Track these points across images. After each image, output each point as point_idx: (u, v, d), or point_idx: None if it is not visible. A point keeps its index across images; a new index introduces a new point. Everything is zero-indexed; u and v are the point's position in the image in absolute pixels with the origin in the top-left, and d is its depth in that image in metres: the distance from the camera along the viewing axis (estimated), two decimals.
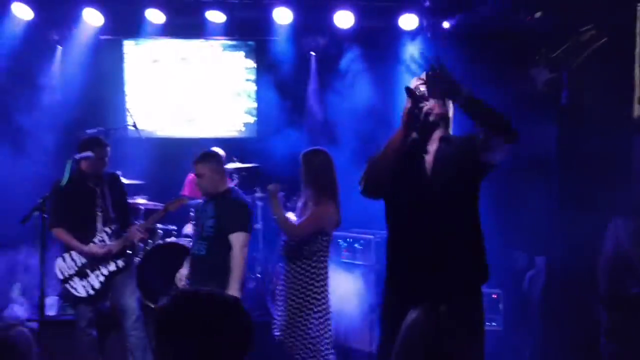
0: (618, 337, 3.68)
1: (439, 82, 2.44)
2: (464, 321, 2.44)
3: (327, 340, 3.48)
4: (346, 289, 4.49)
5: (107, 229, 3.97)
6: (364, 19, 5.90)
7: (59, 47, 6.19)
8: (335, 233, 3.84)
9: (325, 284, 3.53)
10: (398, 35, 6.03)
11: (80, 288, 3.90)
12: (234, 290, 3.37)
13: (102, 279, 3.94)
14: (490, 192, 3.88)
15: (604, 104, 5.19)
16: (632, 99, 5.40)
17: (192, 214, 5.16)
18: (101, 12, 5.82)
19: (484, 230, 2.67)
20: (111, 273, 3.96)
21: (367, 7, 5.85)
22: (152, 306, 4.92)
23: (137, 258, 4.83)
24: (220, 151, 5.82)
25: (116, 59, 6.43)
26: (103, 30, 6.07)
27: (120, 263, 3.99)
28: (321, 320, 3.47)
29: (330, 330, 3.52)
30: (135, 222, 4.40)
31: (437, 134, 2.62)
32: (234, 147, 5.90)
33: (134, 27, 6.09)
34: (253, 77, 6.56)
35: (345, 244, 4.81)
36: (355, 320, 4.52)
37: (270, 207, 3.53)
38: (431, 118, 2.55)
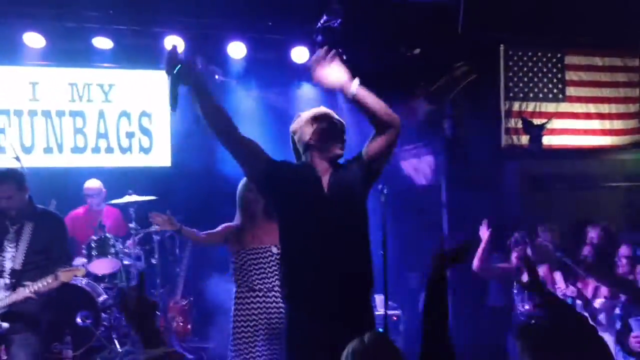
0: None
1: (332, 70, 2.54)
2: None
3: None
4: None
5: (6, 279, 3.45)
6: (256, 50, 6.01)
7: None
8: None
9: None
10: (290, 68, 6.21)
11: None
12: None
13: None
14: (383, 217, 4.19)
15: (477, 134, 5.79)
16: (500, 129, 6.09)
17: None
18: None
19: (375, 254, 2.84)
20: None
21: (259, 39, 5.97)
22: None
23: None
24: (95, 182, 5.63)
25: None
26: None
27: (4, 325, 3.45)
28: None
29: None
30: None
31: (331, 166, 2.69)
32: (133, 177, 5.69)
33: (11, 52, 5.66)
34: (147, 105, 6.35)
35: None
36: None
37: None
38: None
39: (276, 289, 3.57)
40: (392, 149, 2.69)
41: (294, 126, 2.77)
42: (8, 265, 3.47)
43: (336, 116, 2.74)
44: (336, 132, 2.69)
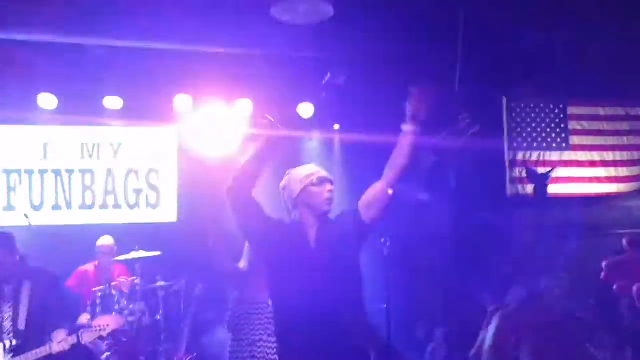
0: None
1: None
2: None
3: None
4: None
5: (5, 342, 3.37)
6: (263, 106, 6.15)
7: None
8: None
9: None
10: (295, 123, 6.34)
11: None
12: None
13: None
14: (390, 267, 4.17)
15: (482, 184, 5.80)
16: (504, 179, 6.10)
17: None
18: None
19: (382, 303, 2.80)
20: None
21: (266, 96, 6.13)
22: None
23: None
24: (108, 240, 5.66)
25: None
26: None
27: None
28: None
29: None
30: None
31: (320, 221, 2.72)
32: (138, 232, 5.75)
33: (25, 113, 5.86)
34: (154, 163, 6.48)
35: None
36: None
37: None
38: None
39: (265, 339, 3.61)
40: (382, 212, 2.70)
41: (283, 183, 2.80)
42: (8, 325, 3.40)
43: (324, 173, 2.77)
44: (323, 190, 2.72)
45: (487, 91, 5.94)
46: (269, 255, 2.72)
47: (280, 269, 2.67)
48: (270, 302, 3.52)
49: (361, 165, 5.47)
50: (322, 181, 2.72)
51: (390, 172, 2.66)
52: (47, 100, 5.72)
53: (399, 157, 2.64)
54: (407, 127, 2.66)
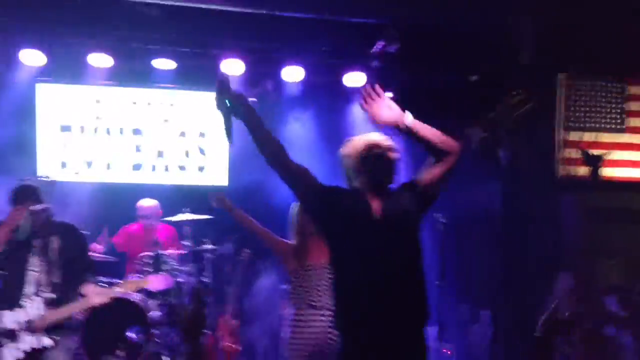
0: None
1: (384, 106, 2.57)
2: None
3: None
4: None
5: (43, 296, 3.39)
6: (312, 74, 6.10)
7: None
8: None
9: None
10: (344, 92, 6.28)
11: None
12: None
13: (20, 354, 3.33)
14: (436, 246, 4.14)
15: (533, 164, 5.68)
16: (555, 159, 5.95)
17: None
18: (43, 52, 5.59)
19: (431, 284, 2.78)
20: (34, 350, 3.34)
21: (316, 63, 6.05)
22: None
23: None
24: (150, 202, 5.76)
25: (52, 104, 6.17)
26: (41, 73, 5.83)
27: (49, 341, 3.37)
28: None
29: None
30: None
31: (383, 192, 2.65)
32: (188, 195, 5.81)
33: (76, 71, 5.90)
34: (204, 126, 6.50)
35: None
36: None
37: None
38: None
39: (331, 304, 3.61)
40: (449, 176, 2.66)
41: (344, 151, 2.74)
42: (43, 278, 3.41)
43: (387, 143, 2.69)
44: (386, 160, 2.66)
45: (541, 67, 5.76)
46: (329, 224, 2.66)
47: (343, 238, 2.61)
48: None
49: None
50: (385, 150, 2.67)
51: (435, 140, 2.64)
52: (99, 60, 5.73)
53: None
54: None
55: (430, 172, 2.65)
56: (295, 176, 2.63)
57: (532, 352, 4.59)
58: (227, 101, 2.51)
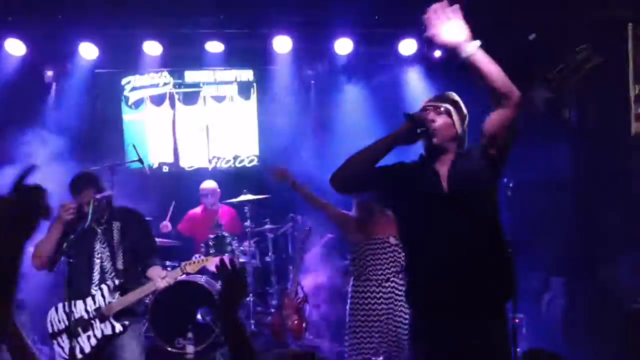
0: None
1: (452, 27, 2.26)
2: (490, 346, 2.45)
3: None
4: None
5: (109, 283, 3.44)
6: (363, 45, 5.95)
7: (54, 84, 6.06)
8: None
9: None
10: (397, 61, 6.11)
11: (68, 349, 3.28)
12: None
13: (94, 342, 3.39)
14: (504, 212, 3.94)
15: (604, 122, 5.34)
16: (629, 116, 5.57)
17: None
18: (97, 45, 5.72)
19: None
20: (106, 337, 3.40)
21: (366, 34, 5.90)
22: (168, 349, 4.79)
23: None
24: (211, 183, 5.83)
25: (114, 93, 6.36)
26: (99, 64, 5.97)
27: (119, 327, 3.41)
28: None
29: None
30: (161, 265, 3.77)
31: (450, 156, 2.52)
32: (247, 178, 5.90)
33: (131, 60, 6.01)
34: (255, 106, 6.53)
35: None
36: None
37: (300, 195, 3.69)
38: (431, 127, 2.46)
39: (392, 279, 3.60)
40: (513, 126, 2.41)
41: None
42: (108, 265, 3.45)
43: (440, 98, 2.57)
44: (433, 114, 2.52)
45: (610, 17, 5.38)
46: (397, 199, 2.57)
47: (412, 213, 2.51)
48: (393, 241, 3.57)
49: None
50: (433, 103, 2.54)
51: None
52: (152, 48, 5.80)
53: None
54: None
55: (492, 121, 2.43)
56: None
57: (620, 322, 4.32)
58: None
